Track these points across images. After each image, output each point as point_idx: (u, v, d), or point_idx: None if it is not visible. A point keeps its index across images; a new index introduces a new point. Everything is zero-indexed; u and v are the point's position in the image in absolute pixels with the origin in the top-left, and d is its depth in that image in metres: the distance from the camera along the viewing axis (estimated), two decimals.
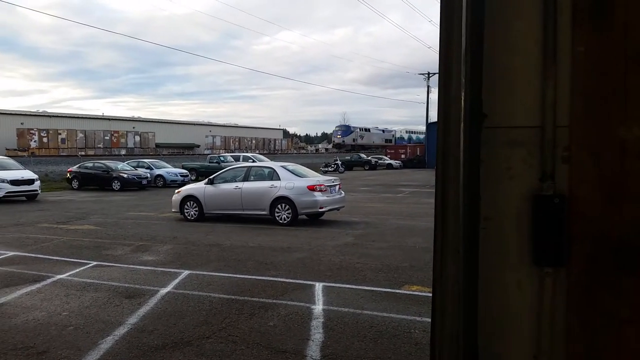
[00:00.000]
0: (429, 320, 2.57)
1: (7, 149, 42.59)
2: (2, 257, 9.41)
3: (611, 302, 1.96)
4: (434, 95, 61.57)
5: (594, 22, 1.94)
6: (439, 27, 2.24)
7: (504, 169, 2.06)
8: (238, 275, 7.89)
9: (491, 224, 2.08)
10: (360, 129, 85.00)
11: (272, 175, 13.91)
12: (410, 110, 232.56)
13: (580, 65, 1.97)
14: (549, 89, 2.00)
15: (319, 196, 13.32)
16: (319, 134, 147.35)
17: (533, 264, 2.04)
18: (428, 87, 59.81)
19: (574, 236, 1.99)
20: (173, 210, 15.05)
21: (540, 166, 2.01)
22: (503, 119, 2.06)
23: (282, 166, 14.43)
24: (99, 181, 27.25)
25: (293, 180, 13.59)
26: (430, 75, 59.43)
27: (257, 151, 61.78)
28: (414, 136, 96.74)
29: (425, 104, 60.59)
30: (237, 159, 34.87)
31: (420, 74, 61.17)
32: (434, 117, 59.69)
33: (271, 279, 7.68)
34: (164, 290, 7.04)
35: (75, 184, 27.71)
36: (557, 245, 2.01)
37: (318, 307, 6.24)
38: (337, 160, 47.53)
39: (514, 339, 2.07)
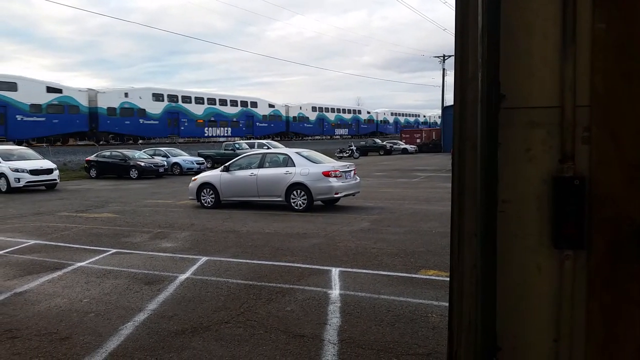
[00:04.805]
0: (446, 304, 2.56)
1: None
2: (23, 245, 9.59)
3: (633, 286, 1.93)
4: (450, 79, 60.98)
5: None
6: (454, 7, 2.19)
7: (522, 151, 2.02)
8: (255, 261, 7.95)
9: (510, 207, 2.05)
10: None
11: (287, 161, 13.92)
12: (426, 94, 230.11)
13: (600, 43, 1.91)
14: (568, 67, 1.95)
15: (334, 182, 13.31)
16: None
17: (553, 247, 2.01)
18: (443, 69, 59.18)
19: (594, 218, 1.95)
20: (190, 197, 15.17)
21: (560, 147, 1.97)
22: (521, 99, 2.01)
23: (296, 152, 14.43)
24: (117, 170, 27.56)
25: (308, 166, 13.59)
26: (446, 57, 58.75)
27: None
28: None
29: (441, 87, 60.03)
30: (252, 146, 35.08)
31: (436, 56, 60.52)
32: (449, 100, 59.11)
33: (288, 264, 7.72)
34: (182, 277, 7.12)
35: (93, 172, 28.07)
36: (578, 228, 1.97)
37: (335, 292, 6.26)
38: (352, 146, 47.46)
39: (534, 323, 2.05)
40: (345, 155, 44.98)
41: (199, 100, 52.15)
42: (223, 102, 55.00)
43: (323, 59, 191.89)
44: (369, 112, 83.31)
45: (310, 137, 65.94)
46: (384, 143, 55.46)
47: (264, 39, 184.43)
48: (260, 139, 46.72)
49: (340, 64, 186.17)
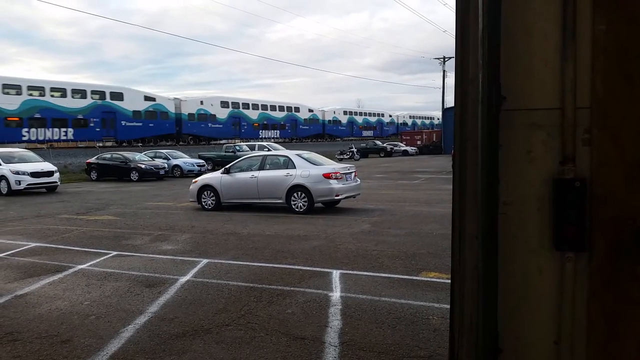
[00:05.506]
0: (447, 306, 2.55)
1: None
2: (24, 248, 9.58)
3: (633, 286, 1.92)
4: (450, 80, 60.86)
5: None
6: (455, 9, 2.19)
7: (523, 153, 2.02)
8: (256, 264, 7.94)
9: (511, 209, 2.05)
10: None
11: (288, 163, 13.92)
12: (427, 95, 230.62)
13: (601, 44, 1.91)
14: (568, 69, 1.95)
15: (334, 184, 13.31)
16: None
17: (554, 249, 2.00)
18: (444, 71, 59.18)
19: (595, 220, 1.94)
20: (190, 199, 15.17)
21: (561, 149, 1.97)
22: (522, 101, 2.01)
23: (297, 154, 14.43)
24: (118, 172, 27.59)
25: (308, 168, 13.59)
26: (446, 59, 58.79)
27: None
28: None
29: (442, 89, 59.98)
30: (252, 148, 35.21)
31: (436, 58, 60.43)
32: (450, 102, 59.05)
33: (288, 266, 7.71)
34: (183, 279, 7.11)
35: (93, 175, 28.12)
36: (579, 230, 1.97)
37: (336, 294, 6.25)
38: (352, 148, 47.57)
39: (535, 325, 2.05)
40: (345, 157, 45.12)
41: (12, 89, 37.06)
42: (58, 92, 40.19)
43: (324, 61, 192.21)
44: (311, 110, 67.98)
45: (219, 141, 52.06)
46: (385, 145, 55.72)
47: (264, 41, 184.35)
48: (127, 143, 40.23)
49: (340, 65, 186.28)
